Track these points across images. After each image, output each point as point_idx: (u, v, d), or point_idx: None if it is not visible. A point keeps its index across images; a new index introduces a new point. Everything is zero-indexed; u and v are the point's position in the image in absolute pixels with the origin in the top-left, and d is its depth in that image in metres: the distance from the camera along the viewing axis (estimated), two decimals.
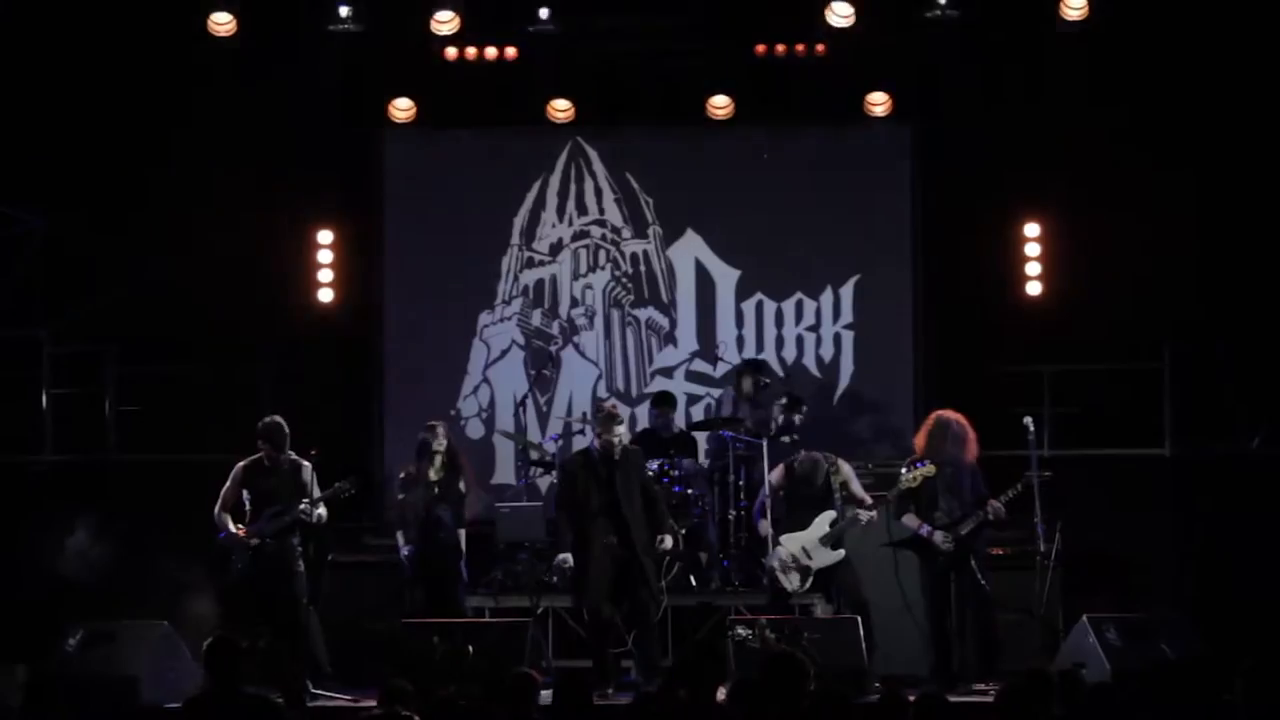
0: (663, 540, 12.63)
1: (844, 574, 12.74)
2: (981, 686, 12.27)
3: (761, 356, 15.22)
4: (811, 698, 8.37)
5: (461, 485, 13.08)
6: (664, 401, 14.72)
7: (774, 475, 12.96)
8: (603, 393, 15.62)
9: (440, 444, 12.99)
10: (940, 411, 12.83)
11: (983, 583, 12.50)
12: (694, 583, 13.90)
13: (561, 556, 12.74)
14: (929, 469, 12.67)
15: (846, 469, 12.91)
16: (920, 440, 12.75)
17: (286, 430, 12.78)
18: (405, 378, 15.63)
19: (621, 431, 12.61)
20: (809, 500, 12.78)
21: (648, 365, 15.77)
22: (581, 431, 15.15)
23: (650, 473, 13.27)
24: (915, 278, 15.45)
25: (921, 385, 15.37)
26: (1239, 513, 14.38)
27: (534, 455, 14.77)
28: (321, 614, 13.02)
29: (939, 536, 12.55)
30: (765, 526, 12.77)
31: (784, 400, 13.84)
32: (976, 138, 14.98)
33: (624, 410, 15.33)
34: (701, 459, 14.75)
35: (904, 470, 12.79)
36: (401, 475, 13.25)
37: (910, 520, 12.67)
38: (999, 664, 12.24)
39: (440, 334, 15.74)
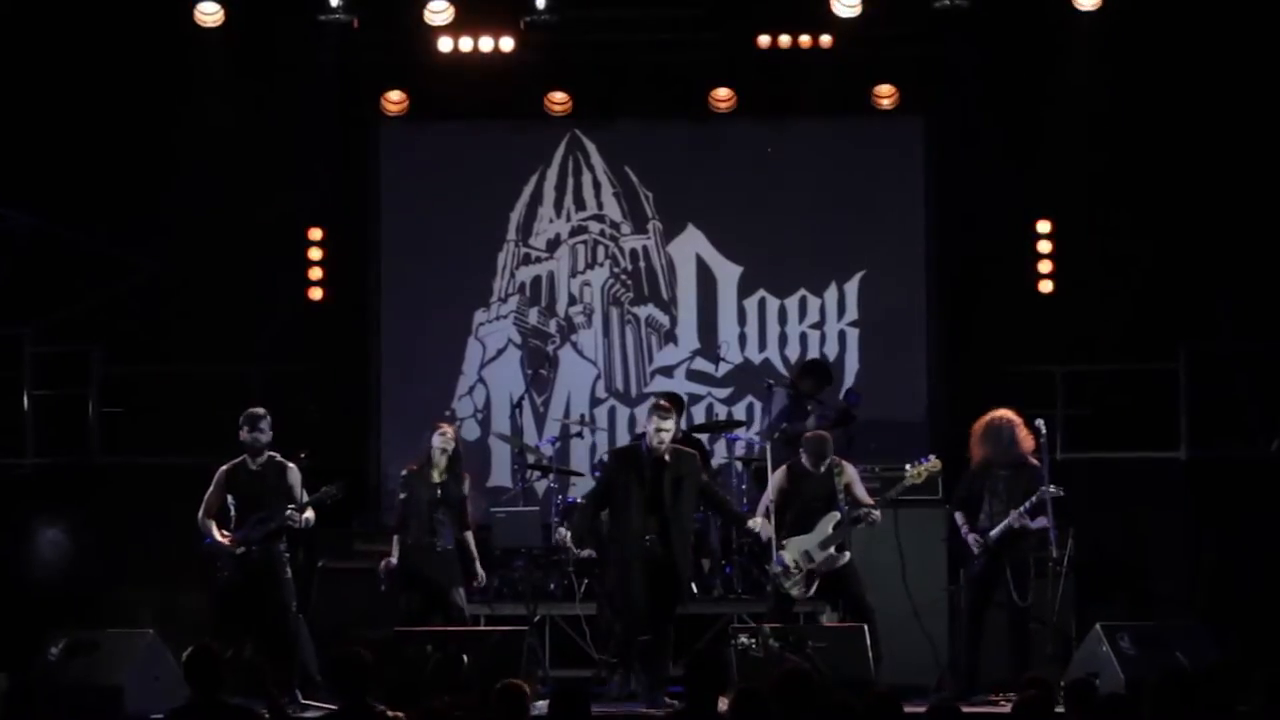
0: (753, 524, 12.66)
1: (849, 580, 12.70)
2: (994, 698, 12.26)
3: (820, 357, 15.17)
4: (817, 708, 8.35)
5: (465, 488, 13.03)
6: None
7: (777, 477, 12.93)
8: (601, 393, 15.60)
9: (448, 445, 12.91)
10: (989, 414, 12.78)
11: (1014, 594, 12.45)
12: (695, 590, 13.87)
13: (560, 533, 12.77)
14: (934, 464, 12.72)
15: (850, 471, 12.87)
16: (974, 451, 12.73)
17: (265, 415, 12.71)
18: (399, 378, 15.59)
19: (668, 426, 12.56)
20: (813, 502, 12.75)
21: (647, 364, 15.73)
22: (580, 434, 15.12)
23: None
24: (928, 274, 15.41)
25: (930, 385, 15.34)
26: (1257, 517, 14.36)
27: (530, 459, 14.73)
28: (311, 622, 12.98)
29: (971, 539, 12.58)
30: (768, 529, 12.74)
31: (842, 410, 13.92)
32: (986, 131, 14.94)
33: (623, 411, 15.38)
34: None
35: (908, 466, 12.81)
36: (404, 472, 13.16)
37: (958, 518, 12.71)
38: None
39: (435, 333, 15.69)
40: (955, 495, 12.88)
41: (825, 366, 14.84)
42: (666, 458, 12.47)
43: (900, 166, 15.49)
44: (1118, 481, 14.53)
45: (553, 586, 13.81)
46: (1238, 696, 8.74)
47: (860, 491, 12.77)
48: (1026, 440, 12.61)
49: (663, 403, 12.71)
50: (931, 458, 12.77)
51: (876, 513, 12.64)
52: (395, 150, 15.70)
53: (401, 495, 12.96)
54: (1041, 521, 12.42)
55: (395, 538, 12.89)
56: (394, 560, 12.78)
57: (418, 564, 12.77)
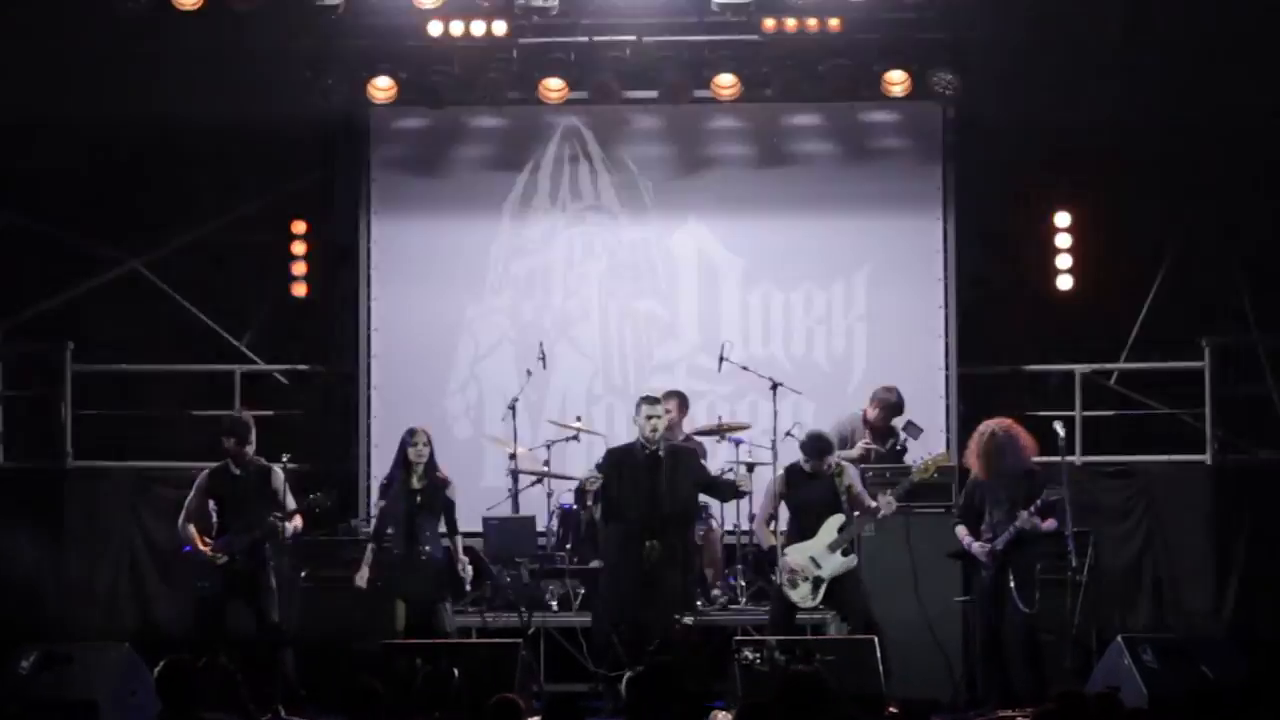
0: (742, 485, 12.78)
1: (852, 592, 12.72)
2: (1009, 713, 12.27)
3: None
4: None
5: (449, 493, 13.04)
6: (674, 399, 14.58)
7: (773, 483, 12.93)
8: (599, 389, 15.62)
9: (421, 453, 12.95)
10: (985, 426, 12.80)
11: (1020, 603, 12.47)
12: (700, 602, 13.88)
13: (593, 472, 12.79)
14: (942, 456, 12.83)
15: (851, 472, 12.88)
16: (973, 463, 12.74)
17: (252, 424, 12.74)
18: (388, 375, 15.57)
19: (658, 412, 12.49)
20: (815, 507, 12.77)
21: (647, 360, 15.76)
22: (576, 436, 15.14)
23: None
24: (944, 269, 15.40)
25: (946, 384, 15.33)
26: None
27: (526, 464, 14.71)
28: (296, 633, 13.00)
29: (976, 548, 12.60)
30: (769, 538, 12.74)
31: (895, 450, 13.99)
32: (1002, 121, 14.94)
33: (621, 409, 15.36)
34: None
35: (914, 462, 12.87)
36: (383, 482, 13.21)
37: (960, 531, 12.72)
38: (1046, 689, 12.11)
39: (425, 328, 15.68)
40: (958, 508, 12.90)
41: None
42: (661, 454, 12.45)
43: (916, 155, 15.48)
44: (1141, 486, 14.56)
45: (548, 596, 13.83)
46: (1266, 713, 8.77)
47: (861, 493, 12.78)
48: (1026, 449, 12.63)
49: (651, 393, 12.72)
50: (941, 450, 12.85)
51: (882, 509, 12.66)
52: (382, 139, 15.69)
53: (380, 503, 13.00)
54: (1051, 523, 12.45)
55: (370, 547, 12.91)
56: (365, 573, 12.80)
57: (401, 576, 12.78)
